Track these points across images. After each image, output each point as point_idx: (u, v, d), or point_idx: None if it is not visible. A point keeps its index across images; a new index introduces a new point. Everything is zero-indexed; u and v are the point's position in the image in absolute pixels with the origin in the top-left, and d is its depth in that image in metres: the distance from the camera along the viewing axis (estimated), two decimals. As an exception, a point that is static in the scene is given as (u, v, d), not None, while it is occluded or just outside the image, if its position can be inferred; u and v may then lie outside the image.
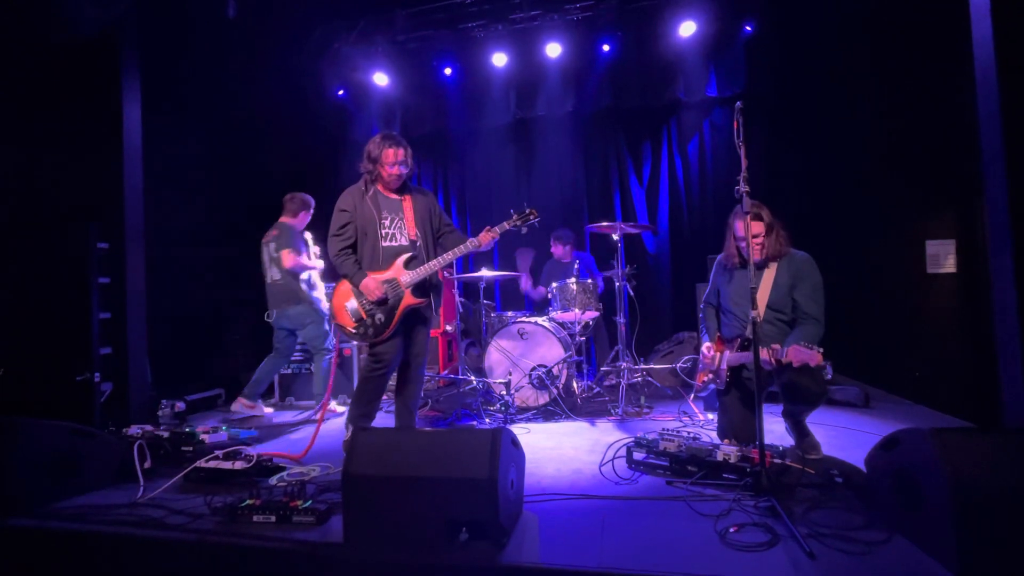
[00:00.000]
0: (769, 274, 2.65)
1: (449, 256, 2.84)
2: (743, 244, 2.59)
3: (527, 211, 2.98)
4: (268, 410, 4.06)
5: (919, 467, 1.70)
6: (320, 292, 4.00)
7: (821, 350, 2.23)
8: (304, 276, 3.91)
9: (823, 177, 4.92)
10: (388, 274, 2.78)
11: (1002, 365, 2.50)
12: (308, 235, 4.07)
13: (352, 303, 2.79)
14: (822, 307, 2.57)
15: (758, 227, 2.56)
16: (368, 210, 2.80)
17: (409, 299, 2.79)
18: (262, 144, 5.31)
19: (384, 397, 4.50)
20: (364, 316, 2.77)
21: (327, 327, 3.94)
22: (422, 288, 2.83)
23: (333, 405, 3.94)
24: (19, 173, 3.60)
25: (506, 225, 2.94)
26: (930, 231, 3.69)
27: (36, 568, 2.08)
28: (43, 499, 2.29)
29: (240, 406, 3.92)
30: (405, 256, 2.79)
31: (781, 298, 2.61)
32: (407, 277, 2.76)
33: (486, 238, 2.85)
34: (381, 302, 2.75)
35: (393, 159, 2.77)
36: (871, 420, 3.24)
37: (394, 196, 2.87)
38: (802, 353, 2.25)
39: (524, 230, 3.05)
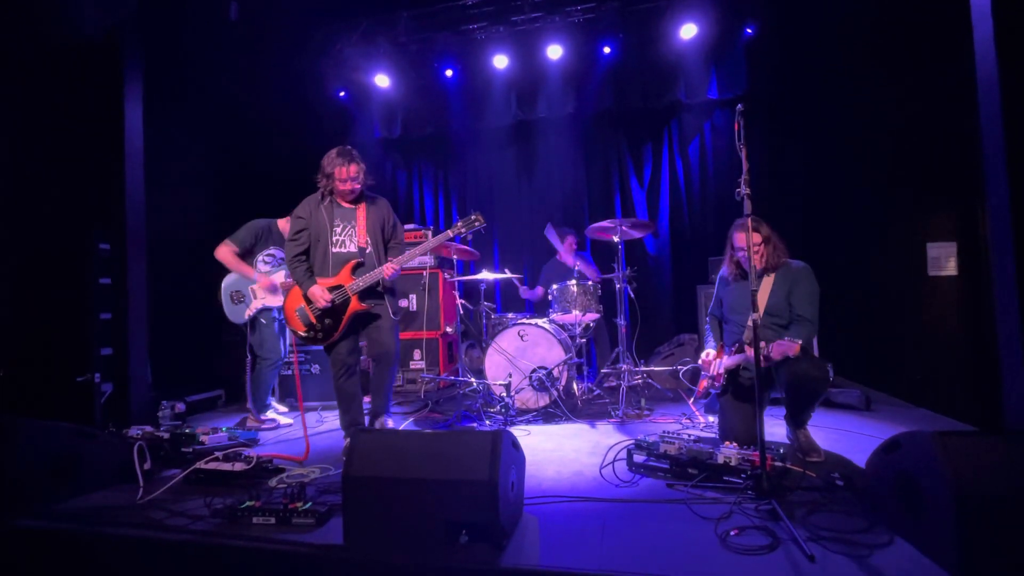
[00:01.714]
0: (767, 282, 2.76)
1: (395, 264, 2.89)
2: (742, 255, 2.72)
3: (472, 217, 3.01)
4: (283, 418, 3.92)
5: (921, 470, 1.70)
6: (248, 305, 3.71)
7: (799, 342, 2.32)
8: (248, 278, 3.70)
9: (824, 179, 4.92)
10: (336, 280, 2.89)
11: (1004, 368, 2.49)
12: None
13: (301, 308, 2.93)
14: (816, 309, 2.66)
15: (756, 238, 2.65)
16: (321, 218, 2.94)
17: (356, 304, 2.89)
18: (263, 145, 5.32)
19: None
20: (313, 321, 2.91)
21: (255, 337, 3.75)
22: (369, 293, 2.93)
23: (271, 414, 3.82)
24: (21, 174, 3.60)
25: (450, 233, 2.99)
26: (931, 233, 3.69)
27: (36, 569, 2.08)
28: (43, 500, 2.28)
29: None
30: (353, 263, 2.91)
31: (778, 303, 2.71)
32: (354, 284, 2.87)
33: (388, 271, 2.86)
34: (328, 309, 2.86)
35: (344, 175, 2.89)
36: (872, 423, 3.23)
37: (348, 206, 3.00)
38: (782, 346, 2.34)
39: (470, 237, 3.15)
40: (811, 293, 2.67)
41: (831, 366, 3.88)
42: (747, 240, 2.21)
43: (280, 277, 3.81)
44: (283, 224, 3.87)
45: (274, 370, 3.81)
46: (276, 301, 3.77)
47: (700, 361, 2.84)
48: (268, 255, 3.81)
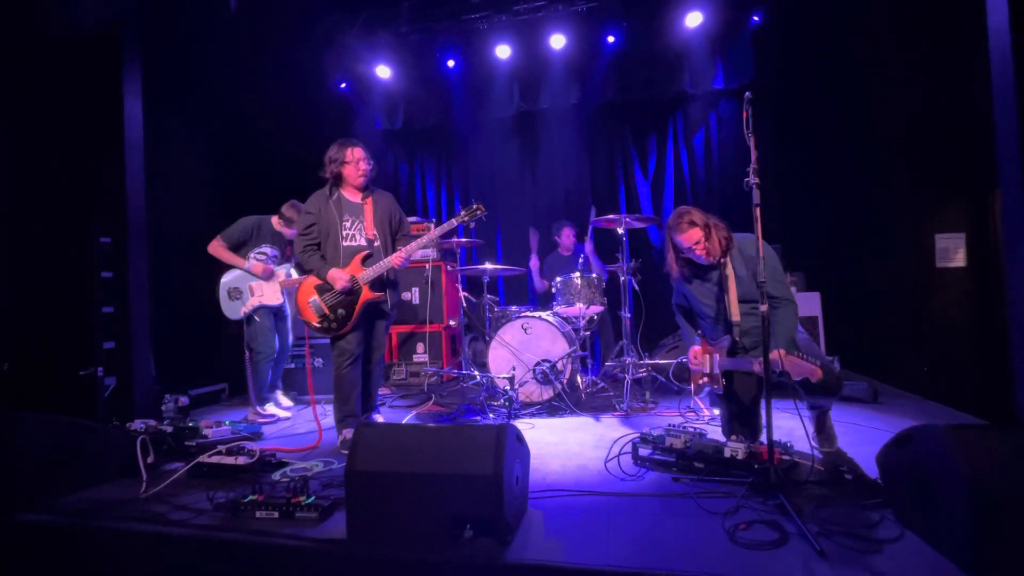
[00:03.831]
0: (729, 271, 2.54)
1: (403, 254, 2.94)
2: (693, 254, 2.55)
3: (474, 206, 3.06)
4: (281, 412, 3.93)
5: (933, 464, 1.67)
6: (244, 302, 3.76)
7: (819, 362, 2.17)
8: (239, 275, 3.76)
9: (831, 170, 4.86)
10: (348, 271, 2.93)
11: (1016, 360, 2.45)
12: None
13: (315, 299, 2.94)
14: (786, 283, 2.53)
15: (695, 233, 2.49)
16: (331, 213, 2.97)
17: (367, 293, 2.93)
18: (264, 137, 5.29)
19: (387, 391, 4.54)
20: (327, 311, 2.92)
21: (249, 332, 3.79)
22: (379, 283, 2.99)
23: (271, 408, 3.84)
24: (21, 168, 3.58)
25: (454, 221, 3.05)
26: (940, 224, 3.65)
27: (39, 563, 2.07)
28: (46, 494, 2.28)
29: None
30: (362, 254, 2.95)
31: (748, 290, 2.52)
32: (364, 274, 2.92)
33: (397, 260, 2.92)
34: (344, 293, 2.91)
35: (356, 156, 2.95)
36: (880, 415, 3.20)
37: (357, 199, 3.04)
38: (801, 366, 2.18)
39: (472, 224, 3.26)
40: (775, 269, 2.47)
41: (837, 359, 3.84)
42: (758, 234, 2.14)
43: (281, 275, 3.82)
44: (275, 221, 3.88)
45: (268, 363, 3.83)
46: (273, 299, 3.78)
47: (690, 362, 2.66)
48: (260, 253, 3.82)
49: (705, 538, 1.77)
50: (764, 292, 2.10)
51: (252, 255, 3.79)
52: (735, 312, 2.51)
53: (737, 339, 2.53)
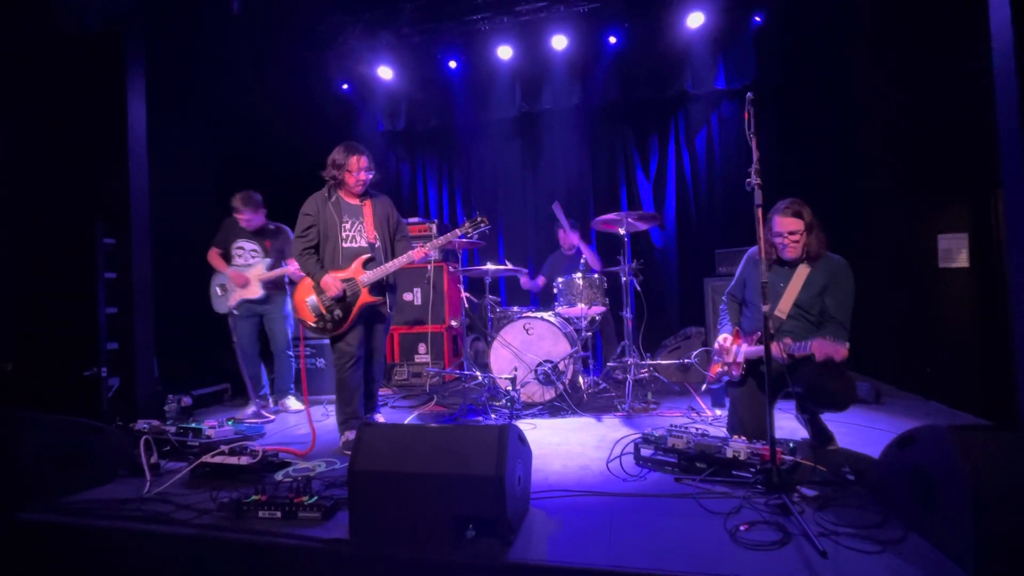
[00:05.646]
0: (803, 273, 2.58)
1: (401, 261, 2.98)
2: (779, 241, 2.57)
3: (478, 218, 3.12)
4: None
5: (936, 465, 1.67)
6: (227, 297, 3.90)
7: (848, 344, 2.20)
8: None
9: (833, 170, 4.85)
10: (347, 273, 2.94)
11: (1018, 361, 2.45)
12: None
13: (312, 299, 2.97)
14: (849, 314, 2.53)
15: (797, 224, 2.51)
16: (330, 214, 2.99)
17: (366, 297, 2.96)
18: (266, 138, 5.30)
19: (388, 392, 4.54)
20: (324, 312, 2.95)
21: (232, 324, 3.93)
22: (379, 287, 3.01)
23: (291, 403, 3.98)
24: (25, 169, 3.60)
25: (458, 232, 3.10)
26: (942, 225, 3.63)
27: (44, 561, 2.08)
28: (51, 493, 2.29)
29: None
30: (363, 257, 2.97)
31: (811, 298, 2.56)
32: (364, 277, 2.93)
33: (419, 254, 2.99)
34: (339, 299, 2.91)
35: (359, 165, 2.96)
36: (882, 416, 3.20)
37: (355, 201, 3.07)
38: (826, 346, 2.21)
39: (475, 237, 3.30)
40: (848, 295, 2.52)
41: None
42: (762, 230, 2.15)
43: (260, 270, 3.86)
44: (237, 216, 3.92)
45: (244, 359, 3.91)
46: (253, 293, 3.87)
47: (716, 345, 2.73)
48: (238, 248, 3.93)
49: (707, 538, 1.78)
50: (765, 292, 2.10)
51: (233, 250, 3.92)
52: (785, 310, 2.55)
53: (772, 333, 2.54)
